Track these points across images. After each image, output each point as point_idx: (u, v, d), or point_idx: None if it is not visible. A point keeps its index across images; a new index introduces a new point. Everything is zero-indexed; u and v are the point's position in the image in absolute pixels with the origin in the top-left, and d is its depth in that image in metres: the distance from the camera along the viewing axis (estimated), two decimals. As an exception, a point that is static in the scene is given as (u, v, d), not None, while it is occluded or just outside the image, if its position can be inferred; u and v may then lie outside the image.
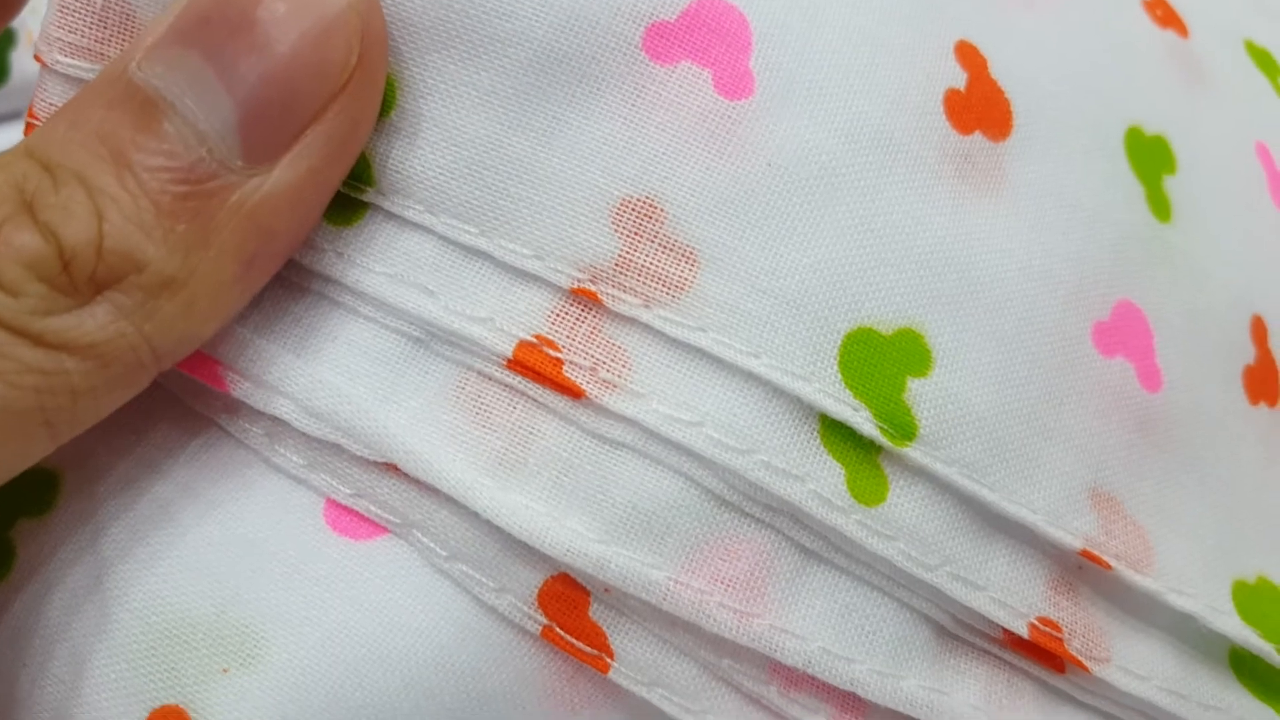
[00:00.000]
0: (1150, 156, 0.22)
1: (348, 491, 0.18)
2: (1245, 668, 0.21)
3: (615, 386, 0.18)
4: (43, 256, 0.15)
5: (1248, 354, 0.23)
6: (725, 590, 0.18)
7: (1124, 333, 0.21)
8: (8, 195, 0.16)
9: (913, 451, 0.18)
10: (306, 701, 0.18)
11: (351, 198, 0.18)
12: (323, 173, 0.17)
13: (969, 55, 0.21)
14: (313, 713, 0.18)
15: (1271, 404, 0.23)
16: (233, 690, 0.18)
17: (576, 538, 0.18)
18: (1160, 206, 0.22)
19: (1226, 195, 0.24)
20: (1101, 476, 0.20)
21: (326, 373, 0.18)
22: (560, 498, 0.18)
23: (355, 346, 0.18)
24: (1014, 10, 0.22)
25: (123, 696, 0.17)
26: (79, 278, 0.16)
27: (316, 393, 0.18)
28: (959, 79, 0.20)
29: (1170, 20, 0.25)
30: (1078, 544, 0.19)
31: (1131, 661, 0.20)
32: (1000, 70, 0.21)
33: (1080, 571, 0.20)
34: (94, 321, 0.16)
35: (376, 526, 0.19)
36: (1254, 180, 0.24)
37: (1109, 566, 0.19)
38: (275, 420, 0.18)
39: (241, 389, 0.18)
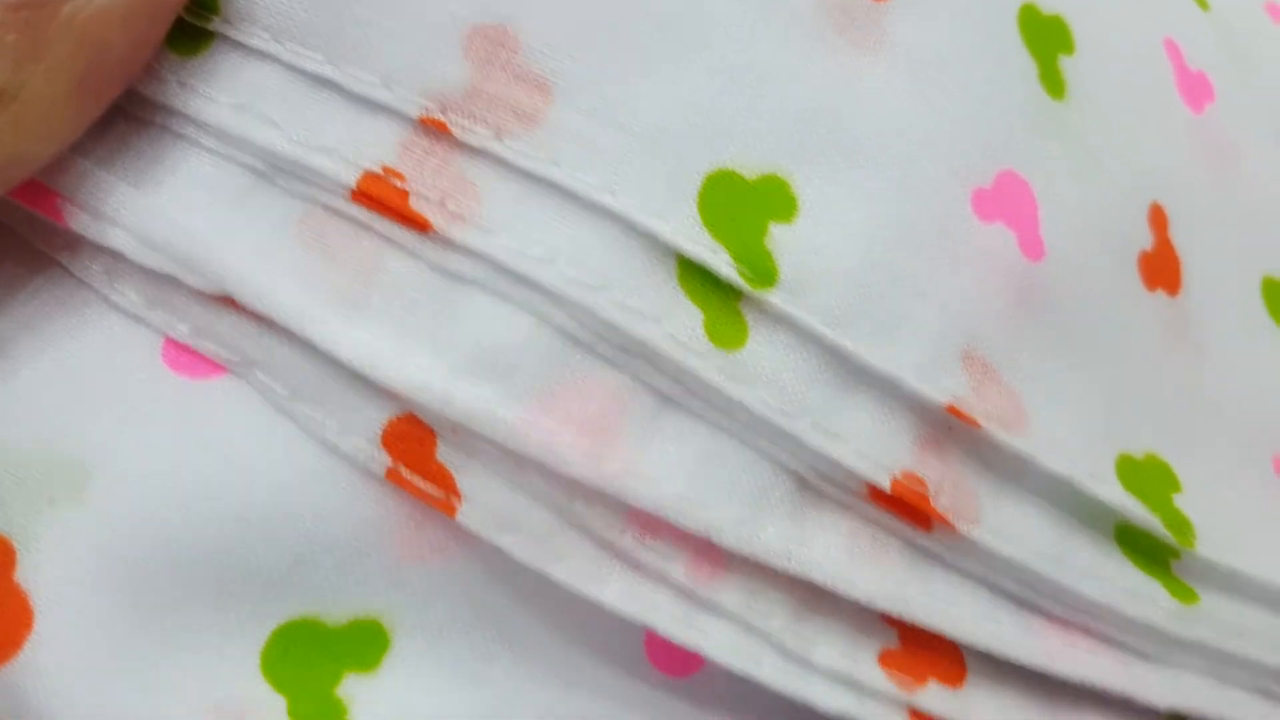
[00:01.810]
0: (1046, 34, 0.22)
1: (186, 329, 0.18)
2: (1130, 542, 0.20)
3: (464, 220, 0.17)
4: None
5: (1144, 240, 0.22)
6: (576, 431, 0.17)
7: (1006, 200, 0.20)
8: None
9: (773, 297, 0.18)
10: (135, 537, 0.17)
11: (198, 27, 0.18)
12: None
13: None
14: (141, 548, 0.17)
15: (1171, 292, 0.22)
16: (59, 521, 0.17)
17: (420, 372, 0.17)
18: (1054, 84, 0.22)
19: (1128, 84, 0.23)
20: (975, 341, 0.19)
21: (165, 204, 0.17)
22: (405, 334, 0.17)
23: (196, 179, 0.18)
24: None
25: None
26: None
27: (154, 224, 0.17)
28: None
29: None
30: (944, 399, 0.18)
31: (1003, 524, 0.19)
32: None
33: (950, 433, 0.19)
34: None
35: (216, 366, 0.18)
36: (1160, 74, 0.24)
37: (978, 424, 0.19)
38: (114, 256, 0.18)
39: (79, 221, 0.18)
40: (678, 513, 0.18)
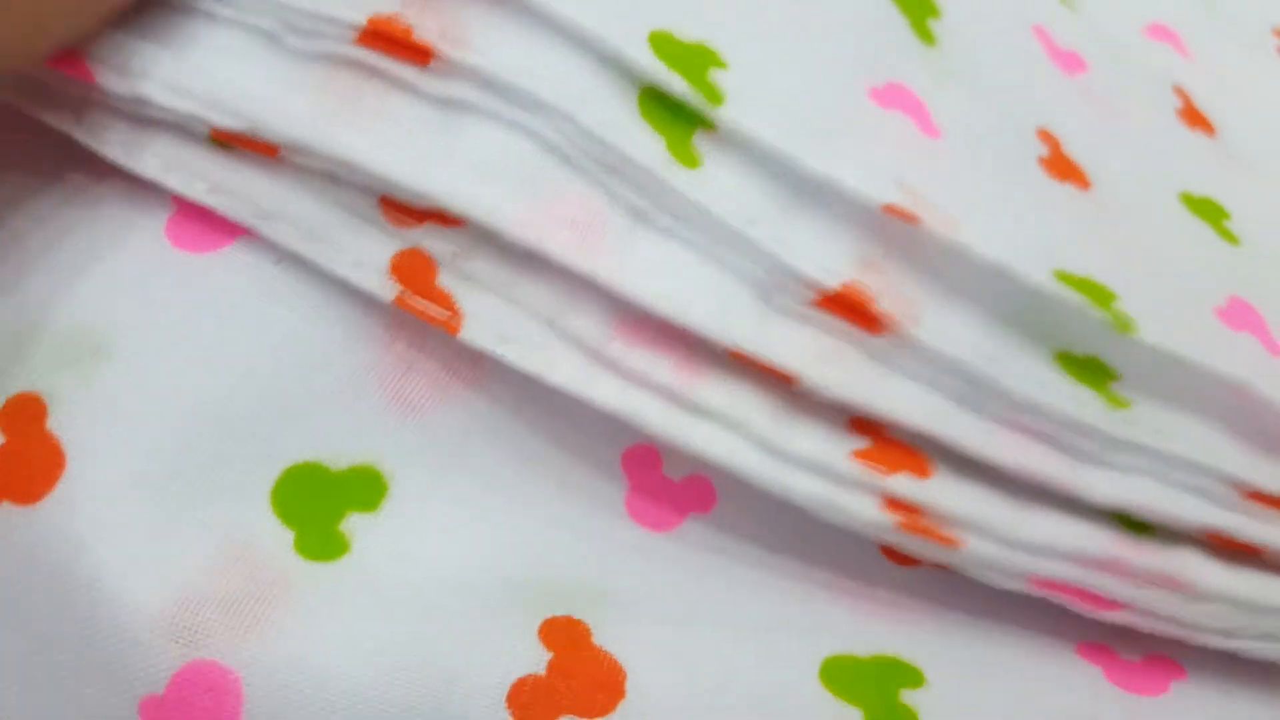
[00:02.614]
0: (914, 3, 0.26)
1: (204, 187, 0.20)
2: (1068, 363, 0.22)
3: (461, 45, 0.20)
4: None
5: (1040, 149, 0.25)
6: (569, 228, 0.20)
7: (897, 99, 0.23)
8: None
9: (724, 111, 0.20)
10: (154, 391, 0.19)
11: None
12: None
13: None
14: (159, 401, 0.19)
15: (1082, 186, 0.25)
16: (84, 378, 0.19)
17: (432, 175, 0.19)
18: (926, 35, 0.26)
19: (998, 45, 0.27)
20: (903, 177, 0.22)
21: (192, 56, 0.20)
22: (415, 151, 0.20)
23: (217, 41, 0.20)
24: None
25: None
26: None
27: (182, 71, 0.19)
28: None
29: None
30: (882, 201, 0.21)
31: (943, 327, 0.21)
32: None
33: (889, 248, 0.21)
34: None
35: (220, 237, 0.20)
36: (1030, 46, 0.28)
37: (917, 220, 0.20)
38: (133, 123, 0.20)
39: (105, 76, 0.19)
40: (664, 306, 0.20)
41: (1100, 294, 0.22)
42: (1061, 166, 0.25)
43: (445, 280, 0.20)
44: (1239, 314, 0.24)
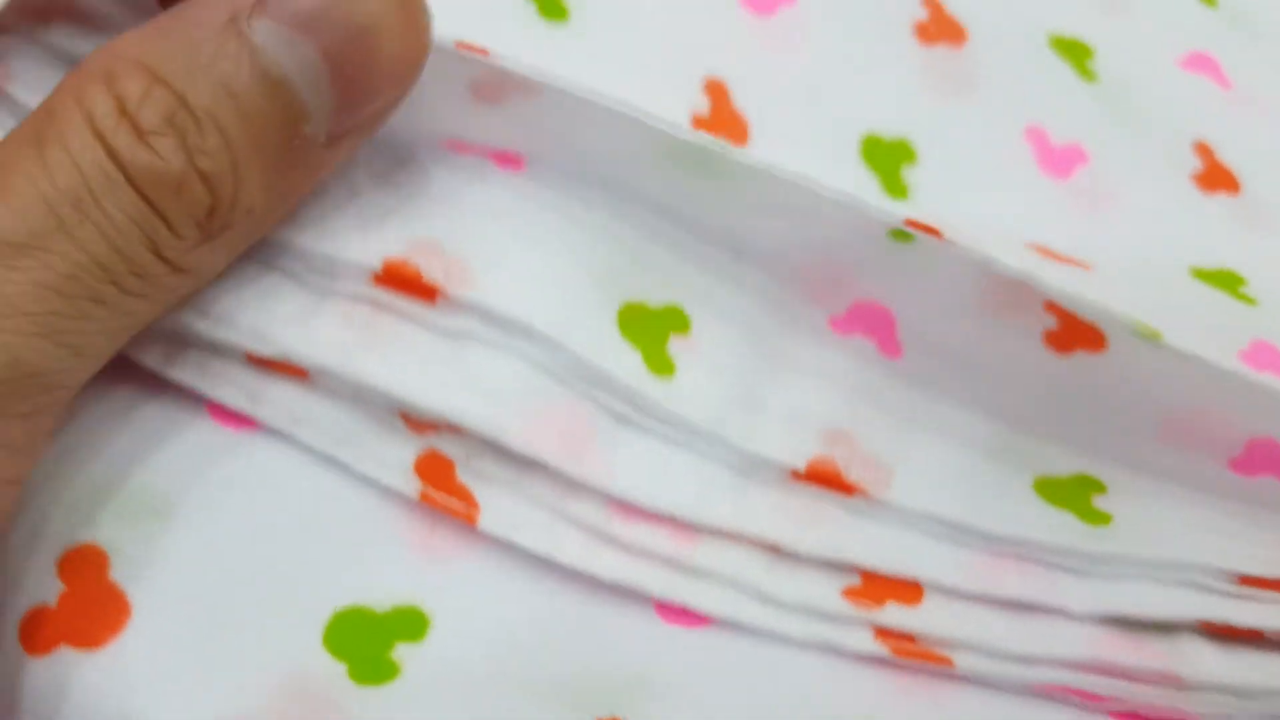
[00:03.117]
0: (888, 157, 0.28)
1: (244, 397, 0.23)
2: (1049, 487, 0.24)
3: (464, 284, 0.22)
4: (204, 210, 0.19)
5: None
6: (561, 438, 0.22)
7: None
8: (172, 139, 0.18)
9: (668, 387, 0.23)
10: (210, 547, 0.22)
11: None
12: (353, 152, 0.21)
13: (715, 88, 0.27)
14: (215, 556, 0.22)
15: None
16: (144, 534, 0.22)
17: (443, 401, 0.22)
18: (899, 192, 0.27)
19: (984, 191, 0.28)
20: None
21: (227, 288, 0.22)
22: (428, 375, 0.22)
23: (244, 277, 0.22)
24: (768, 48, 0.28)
25: (34, 538, 0.22)
26: (214, 226, 0.19)
27: (220, 302, 0.22)
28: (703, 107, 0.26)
29: (944, 32, 0.30)
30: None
31: (915, 484, 0.23)
32: (740, 98, 0.26)
33: (855, 426, 0.24)
34: (209, 252, 0.20)
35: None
36: (1020, 158, 0.29)
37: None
38: (170, 341, 0.23)
39: None
40: (647, 497, 0.23)
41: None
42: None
43: (463, 476, 0.23)
44: (1263, 356, 0.25)
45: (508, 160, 0.24)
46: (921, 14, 0.29)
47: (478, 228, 0.23)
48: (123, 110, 0.18)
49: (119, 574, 0.22)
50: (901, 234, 0.26)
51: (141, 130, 0.18)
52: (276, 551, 0.22)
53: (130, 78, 0.19)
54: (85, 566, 0.22)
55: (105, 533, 0.22)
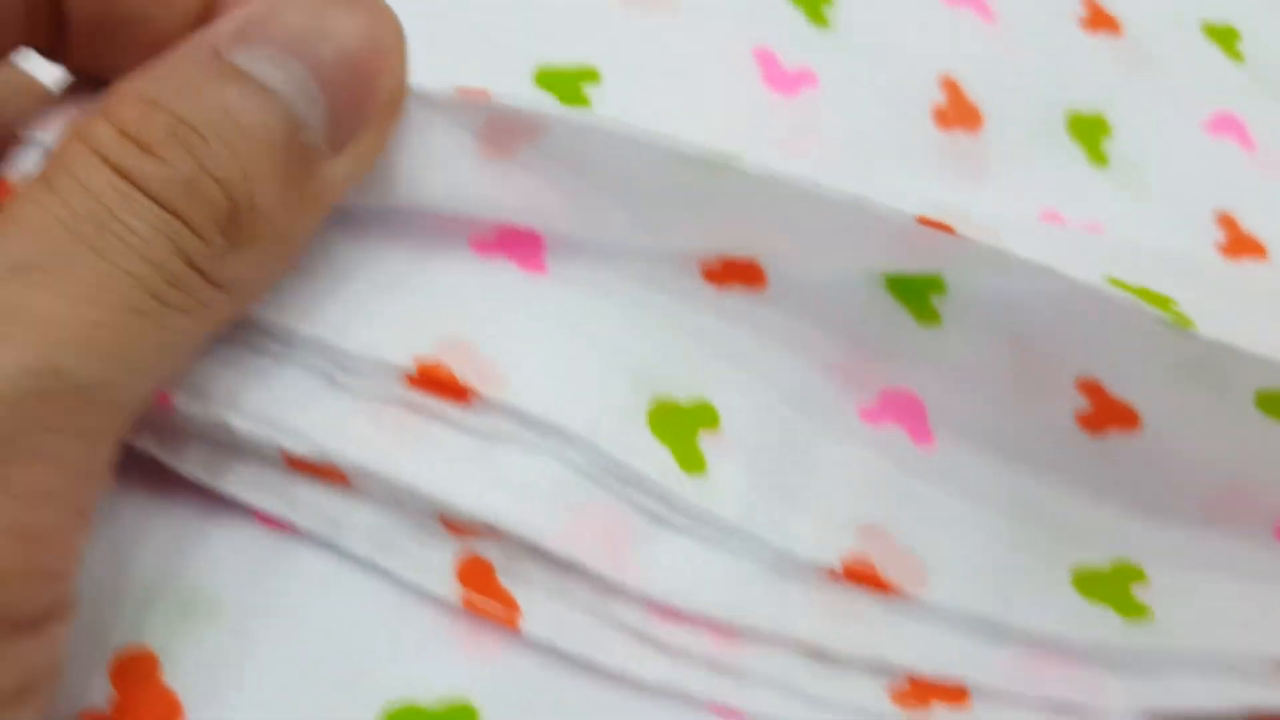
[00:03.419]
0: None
1: (283, 505, 0.23)
2: (1087, 580, 0.24)
3: (497, 386, 0.22)
4: (224, 212, 0.19)
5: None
6: (597, 540, 0.22)
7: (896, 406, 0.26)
8: (177, 148, 0.19)
9: (699, 485, 0.23)
10: (262, 645, 0.22)
11: None
12: (363, 171, 0.21)
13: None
14: (267, 655, 0.22)
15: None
16: (195, 635, 0.22)
17: (482, 505, 0.22)
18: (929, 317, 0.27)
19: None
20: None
21: (266, 386, 0.22)
22: (463, 477, 0.22)
23: (285, 377, 0.22)
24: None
25: (84, 640, 0.21)
26: (239, 232, 0.19)
27: (258, 400, 0.22)
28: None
29: (961, 117, 0.30)
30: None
31: (950, 582, 0.23)
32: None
33: (889, 508, 0.24)
34: (239, 264, 0.19)
35: None
36: None
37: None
38: (211, 445, 0.23)
39: (183, 401, 0.22)
40: (685, 600, 0.22)
41: (1157, 299, 0.22)
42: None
43: (504, 580, 0.23)
44: None
45: (531, 263, 0.24)
46: (939, 98, 0.29)
47: (506, 329, 0.23)
48: (124, 133, 0.19)
49: (171, 678, 0.22)
50: (930, 315, 0.26)
51: (145, 145, 0.19)
52: (326, 651, 0.22)
53: (126, 106, 0.19)
54: (137, 670, 0.22)
55: (156, 636, 0.22)
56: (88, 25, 0.21)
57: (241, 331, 0.23)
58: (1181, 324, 0.21)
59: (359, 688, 0.22)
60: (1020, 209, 0.29)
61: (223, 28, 0.20)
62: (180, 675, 0.22)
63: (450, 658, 0.23)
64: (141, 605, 0.22)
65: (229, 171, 0.19)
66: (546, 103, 0.22)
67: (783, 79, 0.28)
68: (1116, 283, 0.21)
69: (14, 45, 0.21)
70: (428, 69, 0.23)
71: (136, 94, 0.19)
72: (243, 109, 0.19)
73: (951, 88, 0.29)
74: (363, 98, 0.21)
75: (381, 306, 0.23)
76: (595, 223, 0.24)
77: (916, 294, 0.27)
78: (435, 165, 0.22)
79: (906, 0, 0.30)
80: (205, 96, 0.19)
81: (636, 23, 0.27)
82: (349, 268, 0.23)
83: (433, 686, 0.22)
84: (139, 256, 0.18)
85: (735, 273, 0.26)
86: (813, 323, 0.26)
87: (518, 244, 0.25)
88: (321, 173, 0.21)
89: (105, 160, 0.19)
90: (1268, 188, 0.31)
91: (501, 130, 0.22)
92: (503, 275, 0.24)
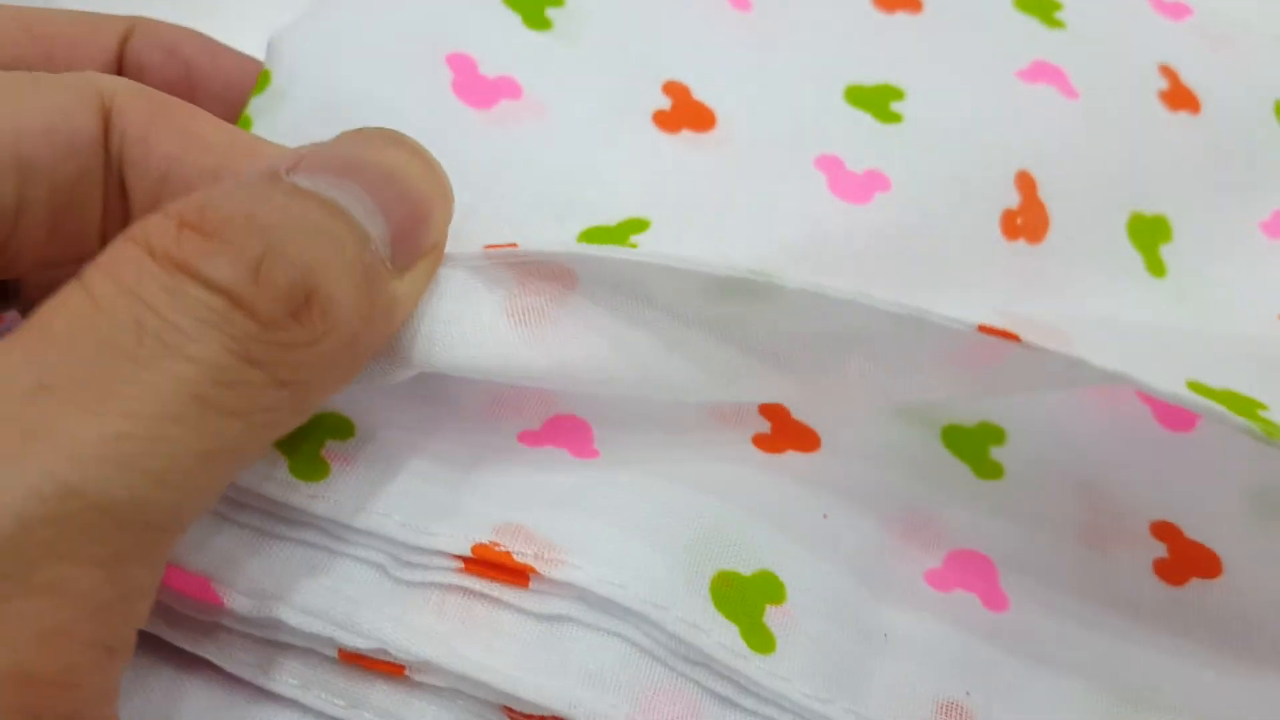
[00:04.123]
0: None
1: (342, 704, 0.22)
2: None
3: (557, 563, 0.22)
4: (297, 295, 0.18)
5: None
6: None
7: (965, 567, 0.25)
8: (251, 240, 0.18)
9: (768, 663, 0.22)
10: None
11: (321, 459, 0.23)
12: (417, 303, 0.21)
13: None
14: None
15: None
16: None
17: (550, 694, 0.21)
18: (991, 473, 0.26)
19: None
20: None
21: (321, 581, 0.22)
22: (529, 664, 0.21)
23: (336, 572, 0.22)
24: None
25: None
26: (312, 320, 0.18)
27: (308, 593, 0.22)
28: None
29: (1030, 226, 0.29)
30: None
31: None
32: None
33: (974, 681, 0.23)
34: (310, 359, 0.18)
35: None
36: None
37: None
38: (262, 644, 0.22)
39: (236, 600, 0.22)
40: None
41: (1243, 403, 0.20)
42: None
43: None
44: None
45: (582, 450, 0.24)
46: (1013, 199, 0.28)
47: (562, 512, 0.23)
48: (184, 223, 0.18)
49: None
50: (990, 469, 0.25)
51: (208, 233, 0.18)
52: None
53: (186, 204, 0.18)
54: None
55: None
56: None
57: (294, 528, 0.22)
58: (1272, 435, 0.19)
59: None
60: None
61: (275, 158, 0.20)
62: None
63: None
64: None
65: (302, 255, 0.18)
66: (573, 244, 0.21)
67: (851, 185, 0.27)
68: (1198, 388, 0.20)
69: None
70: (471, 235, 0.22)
71: (198, 198, 0.18)
72: (311, 213, 0.19)
73: (1027, 185, 0.28)
74: (419, 223, 0.21)
75: (437, 499, 0.22)
76: (640, 379, 0.23)
77: (975, 447, 0.26)
78: (470, 328, 0.22)
79: (983, 84, 0.29)
80: (272, 201, 0.19)
81: (684, 159, 0.27)
82: (398, 465, 0.23)
83: None
84: (183, 357, 0.17)
85: (788, 438, 0.25)
86: (870, 485, 0.25)
87: (567, 433, 0.24)
88: (389, 287, 0.20)
89: (154, 254, 0.17)
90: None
91: (534, 289, 0.22)
92: (556, 464, 0.23)
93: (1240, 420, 0.19)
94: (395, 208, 0.20)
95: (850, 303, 0.20)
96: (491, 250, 0.21)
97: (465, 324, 0.21)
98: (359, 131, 0.21)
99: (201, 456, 0.17)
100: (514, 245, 0.21)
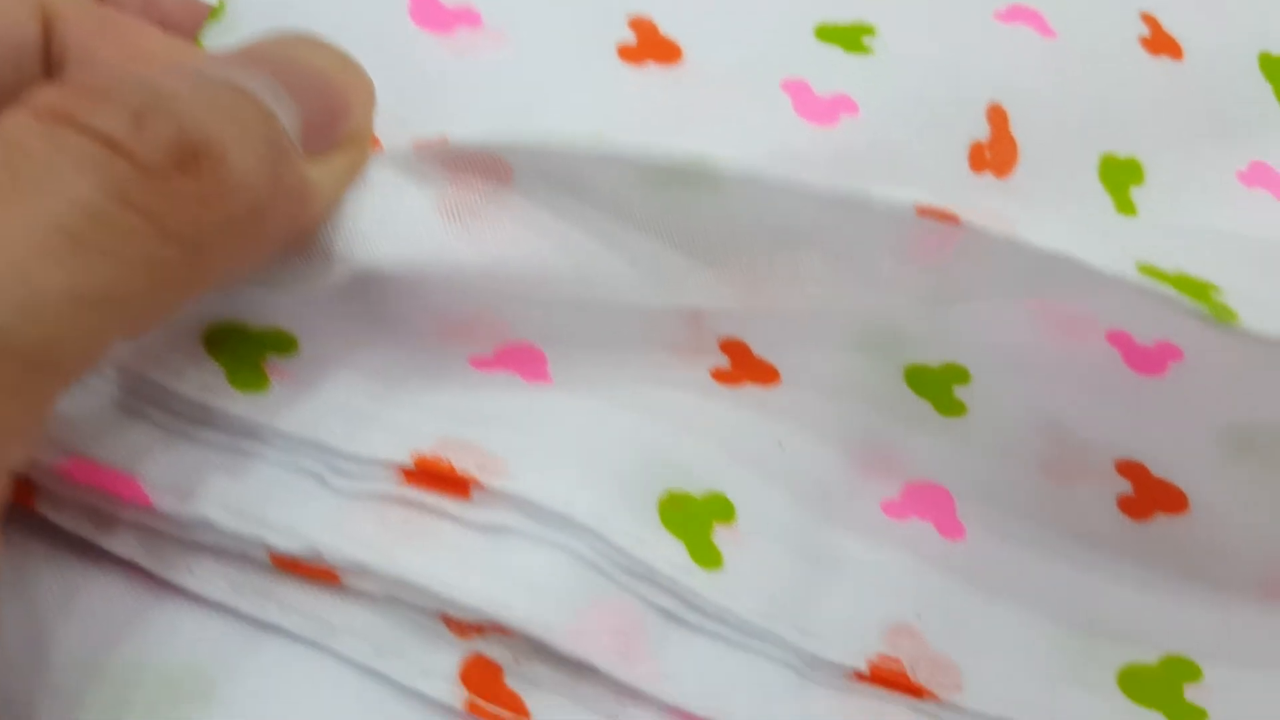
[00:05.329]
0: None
1: (274, 608, 0.21)
2: (1134, 678, 0.22)
3: (500, 475, 0.21)
4: (180, 146, 0.17)
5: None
6: (611, 637, 0.21)
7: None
8: (136, 93, 0.18)
9: (715, 579, 0.22)
10: None
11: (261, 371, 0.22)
12: (337, 195, 0.20)
13: None
14: None
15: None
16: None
17: (488, 599, 0.21)
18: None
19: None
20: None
21: (251, 483, 0.21)
22: (469, 570, 0.21)
23: (267, 477, 0.21)
24: None
25: None
26: (200, 174, 0.18)
27: (239, 494, 0.21)
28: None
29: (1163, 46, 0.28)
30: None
31: (987, 684, 0.22)
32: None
33: (919, 619, 0.22)
34: (199, 215, 0.18)
35: None
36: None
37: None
38: (197, 547, 0.21)
39: (164, 499, 0.21)
40: (703, 706, 0.21)
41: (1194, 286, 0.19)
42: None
43: (511, 682, 0.21)
44: None
45: (535, 374, 0.23)
46: (983, 132, 0.27)
47: (509, 429, 0.22)
48: (75, 90, 0.17)
49: None
50: (954, 407, 0.25)
51: (96, 94, 0.17)
52: None
53: (82, 74, 0.18)
54: None
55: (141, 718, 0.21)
56: None
57: (228, 435, 0.22)
58: (1223, 317, 0.18)
59: None
60: None
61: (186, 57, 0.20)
62: None
63: None
64: (129, 685, 0.21)
65: (193, 114, 0.18)
66: (505, 132, 0.20)
67: (817, 107, 0.26)
68: (1148, 270, 0.19)
69: None
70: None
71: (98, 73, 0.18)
72: (213, 91, 0.18)
73: (998, 119, 0.27)
74: (334, 112, 0.20)
75: (378, 413, 0.22)
76: (578, 279, 0.22)
77: (939, 386, 0.25)
78: (400, 224, 0.21)
79: (959, 23, 0.29)
80: (172, 77, 0.18)
81: (649, 89, 0.26)
82: (341, 382, 0.22)
83: None
84: (56, 194, 0.16)
85: (747, 372, 0.25)
86: (829, 418, 0.24)
87: (520, 359, 0.24)
88: (298, 168, 0.19)
89: (37, 111, 0.17)
90: None
91: (467, 185, 0.21)
92: (506, 387, 0.23)
93: (1189, 302, 0.18)
94: (307, 94, 0.20)
95: (788, 188, 0.20)
96: (422, 145, 0.21)
97: (395, 220, 0.21)
98: (277, 32, 0.21)
99: (73, 295, 0.16)
100: (444, 139, 0.21)
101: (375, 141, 0.22)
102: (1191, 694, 0.22)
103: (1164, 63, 0.30)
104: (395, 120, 0.22)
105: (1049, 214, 0.22)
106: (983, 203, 0.20)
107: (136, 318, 0.18)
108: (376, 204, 0.21)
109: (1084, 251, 0.18)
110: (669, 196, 0.21)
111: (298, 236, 0.20)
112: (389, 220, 0.21)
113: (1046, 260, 0.19)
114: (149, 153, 0.17)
